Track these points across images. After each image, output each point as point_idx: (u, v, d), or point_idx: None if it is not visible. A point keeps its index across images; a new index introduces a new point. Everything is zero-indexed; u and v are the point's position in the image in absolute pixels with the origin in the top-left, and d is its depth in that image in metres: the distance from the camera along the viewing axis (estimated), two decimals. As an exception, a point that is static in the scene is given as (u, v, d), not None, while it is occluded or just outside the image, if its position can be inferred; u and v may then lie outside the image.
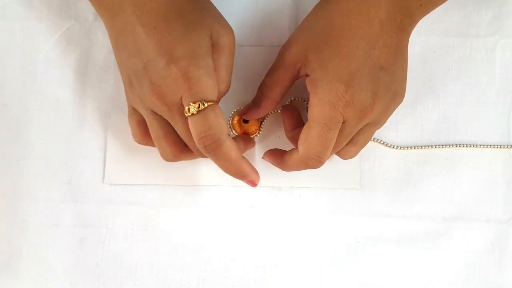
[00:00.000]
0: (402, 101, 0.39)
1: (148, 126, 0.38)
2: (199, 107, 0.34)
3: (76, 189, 0.44)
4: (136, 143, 0.41)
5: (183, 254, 0.44)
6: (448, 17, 0.45)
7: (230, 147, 0.36)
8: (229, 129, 0.44)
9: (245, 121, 0.43)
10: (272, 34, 0.45)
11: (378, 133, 0.44)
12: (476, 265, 0.43)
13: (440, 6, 0.44)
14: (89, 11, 0.46)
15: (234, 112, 0.44)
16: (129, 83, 0.37)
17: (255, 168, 0.39)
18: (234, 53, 0.38)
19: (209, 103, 0.34)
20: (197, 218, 0.44)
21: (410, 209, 0.44)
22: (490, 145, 0.44)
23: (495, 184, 0.44)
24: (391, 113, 0.39)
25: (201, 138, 0.35)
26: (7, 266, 0.44)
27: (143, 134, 0.40)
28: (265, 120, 0.44)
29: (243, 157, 0.38)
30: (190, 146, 0.37)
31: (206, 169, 0.44)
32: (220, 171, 0.44)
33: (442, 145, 0.44)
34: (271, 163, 0.41)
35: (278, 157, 0.40)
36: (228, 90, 0.39)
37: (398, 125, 0.44)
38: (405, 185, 0.44)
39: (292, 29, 0.44)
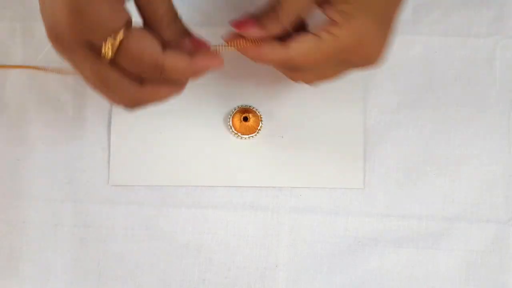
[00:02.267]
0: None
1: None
2: (113, 44, 0.29)
3: (76, 189, 0.44)
4: (140, 144, 0.42)
5: (183, 254, 0.44)
6: (448, 17, 0.45)
7: (173, 62, 0.30)
8: (230, 128, 0.44)
9: (245, 119, 0.43)
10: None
11: (378, 133, 0.44)
12: (476, 265, 0.43)
13: (440, 6, 0.44)
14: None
15: (234, 110, 0.44)
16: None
17: (210, 52, 0.33)
18: None
19: (121, 34, 0.29)
20: (197, 218, 0.44)
21: (410, 209, 0.44)
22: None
23: (495, 184, 0.44)
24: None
25: (139, 71, 0.30)
26: (7, 266, 0.44)
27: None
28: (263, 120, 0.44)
29: (191, 62, 0.31)
30: (103, 89, 0.32)
31: (206, 169, 0.44)
32: (220, 171, 0.44)
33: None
34: (240, 50, 0.34)
35: (250, 43, 0.33)
36: (176, 15, 0.33)
37: (398, 125, 0.45)
38: (405, 185, 0.44)
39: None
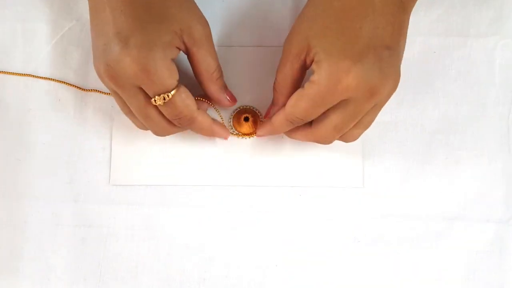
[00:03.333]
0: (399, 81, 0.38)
1: (116, 103, 0.40)
2: (164, 99, 0.37)
3: (77, 189, 0.45)
4: (140, 144, 0.44)
5: (184, 254, 0.44)
6: (448, 17, 0.45)
7: (202, 121, 0.40)
8: (231, 129, 0.44)
9: (246, 119, 0.43)
10: (272, 35, 0.45)
11: (379, 133, 0.44)
12: (476, 265, 0.43)
13: (440, 6, 0.44)
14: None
15: (234, 111, 0.44)
16: (93, 59, 0.38)
17: (225, 127, 0.43)
18: (213, 43, 0.40)
19: (172, 92, 0.37)
20: (197, 218, 0.44)
21: (410, 209, 0.44)
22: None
23: (495, 184, 0.44)
24: (393, 92, 0.37)
25: (175, 119, 0.39)
26: (8, 266, 0.44)
27: None
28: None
29: (213, 120, 0.41)
30: (142, 121, 0.39)
31: (206, 169, 0.44)
32: (220, 171, 0.44)
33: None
34: (265, 134, 0.42)
35: (267, 123, 0.41)
36: (222, 73, 0.41)
37: (398, 125, 0.45)
38: (405, 185, 0.44)
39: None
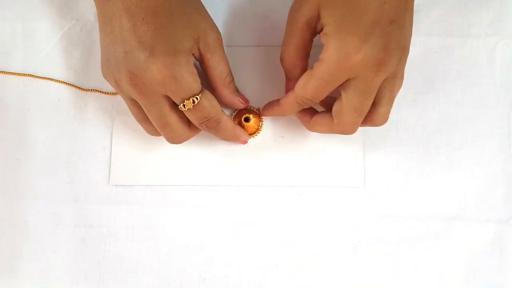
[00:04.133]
0: (408, 53, 0.38)
1: (129, 108, 0.40)
2: (193, 102, 0.37)
3: (77, 189, 0.45)
4: (141, 144, 0.44)
5: (184, 254, 0.44)
6: (448, 17, 0.45)
7: (226, 122, 0.40)
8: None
9: (246, 120, 0.43)
10: (272, 35, 0.45)
11: (379, 133, 0.44)
12: (476, 265, 0.43)
13: (441, 6, 0.44)
14: (90, 12, 0.46)
15: (235, 111, 0.44)
16: (106, 66, 0.38)
17: (244, 130, 0.43)
18: (223, 49, 0.40)
19: (200, 95, 0.37)
20: (198, 218, 0.44)
21: (410, 209, 0.44)
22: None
23: (495, 184, 0.44)
24: (404, 66, 0.38)
25: (202, 123, 0.39)
26: (7, 266, 0.44)
27: None
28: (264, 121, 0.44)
29: (236, 125, 0.42)
30: (159, 129, 0.40)
31: (206, 169, 0.44)
32: (220, 171, 0.44)
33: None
34: (271, 115, 0.43)
35: (274, 104, 0.42)
36: (233, 77, 0.42)
37: (398, 125, 0.45)
38: (405, 185, 0.44)
39: None
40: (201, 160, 0.44)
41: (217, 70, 0.40)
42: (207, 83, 0.41)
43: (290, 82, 0.41)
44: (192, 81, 0.37)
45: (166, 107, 0.38)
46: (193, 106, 0.37)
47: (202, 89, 0.38)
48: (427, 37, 0.45)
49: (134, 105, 0.39)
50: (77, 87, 0.45)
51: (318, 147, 0.44)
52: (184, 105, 0.37)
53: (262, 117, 0.44)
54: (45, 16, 0.46)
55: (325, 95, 0.37)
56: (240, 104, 0.43)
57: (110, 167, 0.44)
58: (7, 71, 0.46)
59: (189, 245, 0.44)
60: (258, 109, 0.44)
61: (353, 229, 0.44)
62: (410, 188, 0.44)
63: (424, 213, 0.44)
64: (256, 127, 0.44)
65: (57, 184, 0.45)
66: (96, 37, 0.46)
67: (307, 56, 0.39)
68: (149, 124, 0.40)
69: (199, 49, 0.38)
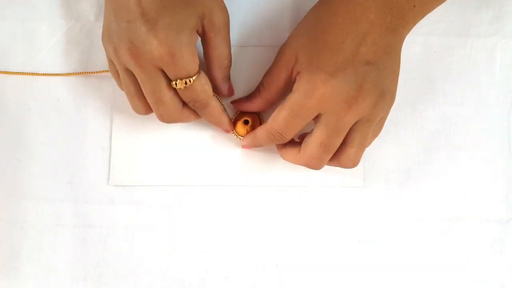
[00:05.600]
0: (393, 101, 0.38)
1: (121, 80, 0.39)
2: (185, 83, 0.37)
3: (77, 189, 0.44)
4: (140, 144, 0.44)
5: (183, 254, 0.44)
6: (448, 17, 0.45)
7: (214, 108, 0.40)
8: (231, 131, 0.44)
9: (246, 122, 0.43)
10: (272, 35, 0.45)
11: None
12: (476, 265, 0.43)
13: (441, 6, 0.44)
14: (90, 12, 0.46)
15: (235, 114, 0.44)
16: (107, 33, 0.38)
17: (230, 120, 0.43)
18: (229, 31, 0.40)
19: (194, 77, 0.37)
20: (197, 218, 0.44)
21: (410, 209, 0.44)
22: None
23: (495, 184, 0.44)
24: (383, 113, 0.38)
25: (190, 102, 0.39)
26: (7, 266, 0.44)
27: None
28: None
29: (223, 109, 0.42)
30: (152, 107, 0.39)
31: (206, 170, 0.44)
32: (220, 172, 0.44)
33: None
34: (248, 144, 0.43)
35: (249, 135, 0.42)
36: (231, 63, 0.42)
37: (398, 125, 0.45)
38: (405, 185, 0.44)
39: (292, 30, 0.44)
40: (200, 161, 0.44)
41: (217, 51, 0.40)
42: (204, 61, 0.41)
43: (247, 98, 0.43)
44: (190, 62, 0.36)
45: (162, 83, 0.37)
46: (184, 87, 0.37)
47: (198, 71, 0.37)
48: (427, 37, 0.45)
49: (129, 76, 0.38)
50: (78, 73, 0.45)
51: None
52: (176, 83, 0.37)
53: (263, 119, 0.44)
54: (45, 16, 0.46)
55: (296, 130, 0.38)
56: (225, 92, 0.42)
57: (110, 167, 0.44)
58: (7, 71, 0.46)
59: (189, 245, 0.44)
60: (258, 113, 0.44)
61: (353, 229, 0.44)
62: (410, 188, 0.44)
63: (424, 213, 0.44)
64: (256, 129, 0.44)
65: (57, 184, 0.45)
66: (96, 37, 0.46)
67: (277, 95, 0.41)
68: (138, 99, 0.39)
69: (203, 26, 0.38)
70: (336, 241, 0.44)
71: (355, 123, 0.37)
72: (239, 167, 0.44)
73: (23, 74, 0.46)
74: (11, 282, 0.44)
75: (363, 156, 0.44)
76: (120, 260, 0.44)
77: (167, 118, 0.40)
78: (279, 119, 0.38)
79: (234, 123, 0.44)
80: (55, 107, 0.45)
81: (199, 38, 0.39)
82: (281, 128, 0.38)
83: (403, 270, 0.43)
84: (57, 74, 0.45)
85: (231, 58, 0.41)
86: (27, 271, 0.44)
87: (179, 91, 0.38)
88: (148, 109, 0.40)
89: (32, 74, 0.46)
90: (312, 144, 0.38)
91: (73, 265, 0.44)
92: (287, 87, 0.39)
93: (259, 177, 0.44)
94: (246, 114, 0.44)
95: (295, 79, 0.38)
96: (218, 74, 0.41)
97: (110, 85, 0.45)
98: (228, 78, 0.42)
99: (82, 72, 0.45)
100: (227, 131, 0.43)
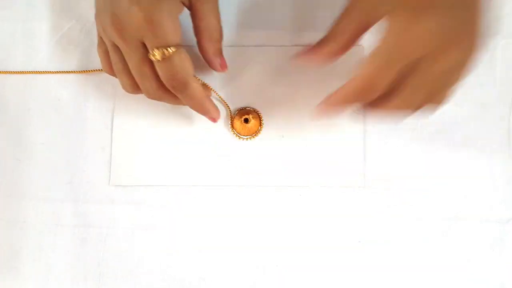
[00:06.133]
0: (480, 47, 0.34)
1: (110, 58, 0.39)
2: (163, 54, 0.36)
3: (77, 189, 0.45)
4: (141, 144, 0.43)
5: (183, 254, 0.44)
6: (449, 17, 0.45)
7: (195, 88, 0.38)
8: (231, 130, 0.44)
9: (246, 121, 0.43)
10: (272, 34, 0.45)
11: (379, 133, 0.44)
12: (476, 265, 0.43)
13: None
14: (90, 12, 0.46)
15: (235, 112, 0.44)
16: (98, 12, 0.38)
17: (217, 107, 0.41)
18: (218, 3, 0.39)
19: (172, 49, 0.36)
20: (197, 218, 0.44)
21: (410, 209, 0.44)
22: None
23: (495, 184, 0.44)
24: (475, 56, 0.34)
25: (168, 80, 0.37)
26: (7, 266, 0.44)
27: (110, 65, 0.40)
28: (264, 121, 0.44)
29: (206, 96, 0.40)
30: (138, 81, 0.39)
31: (206, 170, 0.44)
32: (220, 171, 0.44)
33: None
34: (333, 103, 0.36)
35: (334, 93, 0.36)
36: (222, 36, 0.40)
37: (398, 125, 0.45)
38: (405, 185, 0.44)
39: (292, 30, 0.44)
40: (201, 161, 0.44)
41: (204, 21, 0.38)
42: (194, 36, 0.40)
43: (320, 44, 0.37)
44: (169, 31, 0.35)
45: (143, 54, 0.37)
46: (162, 58, 0.36)
47: (179, 45, 0.36)
48: (427, 37, 0.45)
49: (116, 53, 0.38)
50: (76, 71, 0.45)
51: (318, 147, 0.44)
52: (154, 54, 0.36)
53: (263, 118, 0.44)
54: (45, 16, 0.46)
55: (389, 78, 0.34)
56: (218, 67, 0.41)
57: (110, 167, 0.44)
58: (7, 71, 0.46)
59: (189, 245, 0.44)
60: (258, 111, 0.44)
61: (353, 229, 0.44)
62: (410, 188, 0.44)
63: (424, 213, 0.44)
64: (255, 128, 0.44)
65: (57, 184, 0.45)
66: (95, 37, 0.45)
67: (357, 35, 0.35)
68: (126, 76, 0.39)
69: None
70: (336, 241, 0.44)
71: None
72: (239, 167, 0.44)
73: (23, 73, 0.46)
74: (11, 282, 0.44)
75: (363, 156, 0.44)
76: (120, 260, 0.44)
77: (152, 94, 0.39)
78: (371, 67, 0.33)
79: (232, 120, 0.44)
80: (55, 107, 0.45)
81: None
82: (374, 76, 0.33)
83: (403, 270, 0.43)
84: (57, 72, 0.46)
85: (221, 31, 0.40)
86: (27, 271, 0.44)
87: (158, 67, 0.37)
88: (135, 87, 0.39)
89: (32, 72, 0.46)
90: (407, 91, 0.34)
91: (73, 265, 0.44)
92: (358, 37, 0.35)
93: (259, 177, 0.44)
94: (245, 112, 0.44)
95: (371, 25, 0.34)
96: (209, 47, 0.40)
97: (110, 85, 0.45)
98: (219, 52, 0.41)
99: (82, 71, 0.45)
100: (214, 120, 0.41)
